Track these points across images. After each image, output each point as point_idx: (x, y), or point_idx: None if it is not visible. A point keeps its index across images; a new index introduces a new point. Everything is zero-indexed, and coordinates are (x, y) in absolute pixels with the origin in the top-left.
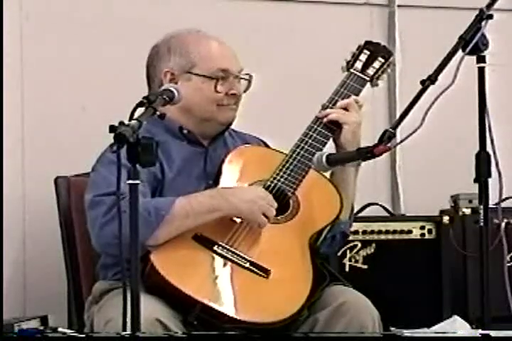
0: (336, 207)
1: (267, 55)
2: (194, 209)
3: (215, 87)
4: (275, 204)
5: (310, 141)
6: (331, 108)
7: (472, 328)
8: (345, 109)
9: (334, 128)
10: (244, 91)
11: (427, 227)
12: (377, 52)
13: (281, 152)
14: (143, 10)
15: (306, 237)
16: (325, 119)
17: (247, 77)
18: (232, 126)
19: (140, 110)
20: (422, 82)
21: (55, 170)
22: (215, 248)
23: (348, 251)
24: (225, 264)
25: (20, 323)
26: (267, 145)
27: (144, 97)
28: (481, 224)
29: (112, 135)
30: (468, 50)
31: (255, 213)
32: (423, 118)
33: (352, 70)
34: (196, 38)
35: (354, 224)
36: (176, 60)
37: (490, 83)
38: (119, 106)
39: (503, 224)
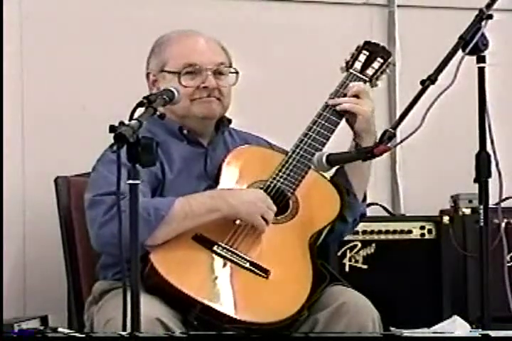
0: (335, 207)
1: (267, 55)
2: (193, 210)
3: (179, 81)
4: (274, 208)
5: (310, 140)
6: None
7: (472, 328)
8: (357, 96)
9: (343, 114)
10: (233, 85)
11: (427, 227)
12: (377, 52)
13: (283, 149)
14: (143, 10)
15: (306, 237)
16: (338, 108)
17: (231, 70)
18: (233, 125)
19: (140, 110)
20: (422, 82)
21: (55, 170)
22: (215, 248)
23: (348, 251)
24: (224, 264)
25: (20, 323)
26: (269, 144)
27: (144, 97)
28: (481, 224)
29: (112, 135)
30: (468, 50)
31: (254, 215)
32: (423, 118)
33: (351, 71)
34: (176, 37)
35: None
36: (154, 61)
37: (490, 83)
38: (119, 106)
39: (503, 224)
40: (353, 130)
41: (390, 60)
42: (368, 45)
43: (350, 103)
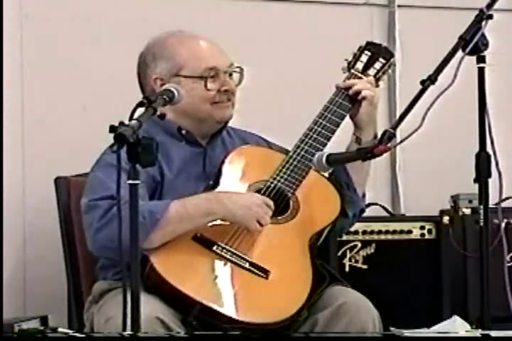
0: (336, 208)
1: (267, 55)
2: (189, 213)
3: (206, 85)
4: (270, 213)
5: (311, 140)
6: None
7: (472, 328)
8: None
9: (356, 99)
10: (238, 85)
11: (427, 227)
12: (379, 53)
13: (281, 147)
14: (143, 10)
15: (306, 238)
16: (350, 91)
17: (237, 70)
18: (233, 124)
19: (140, 110)
20: (422, 82)
21: (55, 170)
22: (215, 248)
23: (348, 251)
24: (224, 265)
25: (20, 323)
26: (266, 141)
27: (144, 97)
28: (481, 224)
29: (112, 135)
30: (468, 50)
31: (249, 219)
32: (423, 118)
33: (353, 71)
34: (178, 39)
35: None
36: (163, 66)
37: (490, 83)
38: (119, 106)
39: (503, 224)
40: (355, 122)
41: (392, 61)
42: (370, 45)
43: (362, 86)
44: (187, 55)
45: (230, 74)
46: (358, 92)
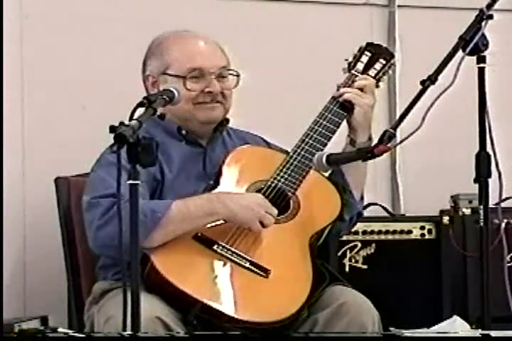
0: (336, 207)
1: (267, 55)
2: (190, 213)
3: (185, 85)
4: (274, 212)
5: (312, 140)
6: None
7: (472, 328)
8: (361, 89)
9: (349, 106)
10: (233, 88)
11: (427, 227)
12: (379, 53)
13: (281, 148)
14: (143, 10)
15: (307, 237)
16: (340, 99)
17: (232, 72)
18: (233, 124)
19: (140, 110)
20: (422, 82)
21: (55, 170)
22: (215, 247)
23: (348, 251)
24: (224, 264)
25: (20, 323)
26: (266, 142)
27: (144, 97)
28: (481, 224)
29: (112, 135)
30: (468, 50)
31: (251, 219)
32: (423, 118)
33: (353, 71)
34: (175, 39)
35: None
36: (155, 64)
37: (490, 83)
38: (119, 106)
39: (503, 224)
40: (349, 124)
41: (392, 61)
42: (370, 46)
43: (351, 93)
44: (176, 55)
45: (223, 77)
46: (348, 101)
